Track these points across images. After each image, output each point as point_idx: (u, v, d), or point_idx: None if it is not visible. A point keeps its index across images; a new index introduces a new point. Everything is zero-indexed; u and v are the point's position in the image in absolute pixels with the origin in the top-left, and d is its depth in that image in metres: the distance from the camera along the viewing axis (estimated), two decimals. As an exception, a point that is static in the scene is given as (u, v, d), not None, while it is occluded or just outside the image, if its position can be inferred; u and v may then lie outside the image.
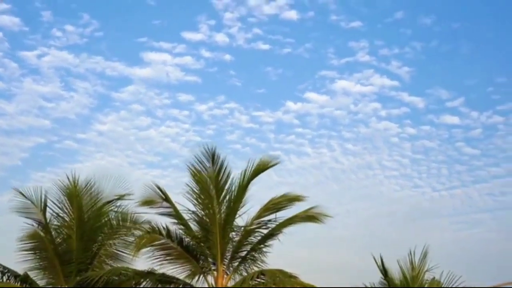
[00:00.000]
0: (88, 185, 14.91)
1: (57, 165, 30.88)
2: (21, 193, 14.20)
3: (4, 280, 13.68)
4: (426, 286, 13.83)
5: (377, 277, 14.20)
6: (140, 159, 32.46)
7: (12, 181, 30.83)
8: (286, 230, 14.45)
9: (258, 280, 13.49)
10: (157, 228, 14.13)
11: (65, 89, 30.43)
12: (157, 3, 30.23)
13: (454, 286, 13.50)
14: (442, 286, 13.61)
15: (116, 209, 14.94)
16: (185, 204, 14.35)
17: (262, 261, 14.42)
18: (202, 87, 31.44)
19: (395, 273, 13.95)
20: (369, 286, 14.35)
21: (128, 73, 30.74)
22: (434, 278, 13.89)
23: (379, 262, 14.02)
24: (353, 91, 31.69)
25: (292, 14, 30.08)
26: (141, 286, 13.92)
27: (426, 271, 13.96)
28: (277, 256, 14.50)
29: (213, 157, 13.92)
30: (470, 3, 32.50)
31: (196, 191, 14.34)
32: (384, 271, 14.18)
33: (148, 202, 14.50)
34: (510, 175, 33.00)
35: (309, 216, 14.45)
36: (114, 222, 14.74)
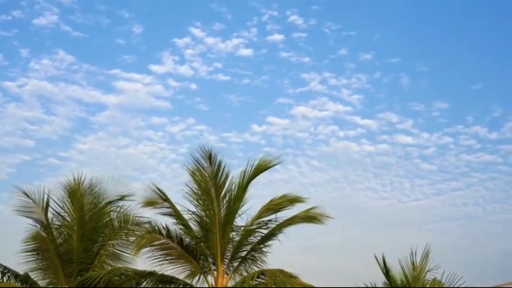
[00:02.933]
0: (90, 185, 14.99)
1: (43, 179, 33.48)
2: (23, 192, 14.21)
3: (5, 280, 13.76)
4: (427, 286, 13.72)
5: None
6: (120, 173, 34.26)
7: (1, 193, 33.13)
8: (286, 230, 14.45)
9: (258, 280, 13.46)
10: (157, 228, 14.17)
11: (46, 114, 33.32)
12: (125, 42, 33.59)
13: (455, 287, 13.38)
14: (444, 286, 13.49)
15: (117, 210, 15.00)
16: (185, 204, 14.44)
17: (262, 261, 14.44)
18: (172, 111, 34.46)
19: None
20: (370, 286, 14.26)
21: (103, 100, 33.78)
22: (435, 278, 13.77)
23: (381, 262, 13.94)
24: (311, 116, 34.81)
25: (247, 52, 33.63)
26: (142, 286, 13.92)
27: (428, 271, 13.83)
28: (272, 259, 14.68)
29: (210, 158, 13.96)
30: (406, 41, 36.31)
31: (196, 192, 14.39)
32: (386, 271, 14.09)
33: (149, 203, 14.57)
34: (468, 188, 35.44)
35: (309, 217, 14.42)
36: (115, 223, 14.77)
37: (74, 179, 14.85)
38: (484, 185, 35.05)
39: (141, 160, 34.18)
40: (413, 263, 13.82)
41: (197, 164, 14.14)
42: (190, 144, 34.12)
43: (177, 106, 34.36)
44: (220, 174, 14.06)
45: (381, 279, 14.22)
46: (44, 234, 14.17)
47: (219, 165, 14.00)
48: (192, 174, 14.24)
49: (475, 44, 36.02)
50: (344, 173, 36.28)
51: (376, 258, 13.91)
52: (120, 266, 14.34)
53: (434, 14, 35.76)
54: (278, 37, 33.50)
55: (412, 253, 13.77)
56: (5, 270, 13.78)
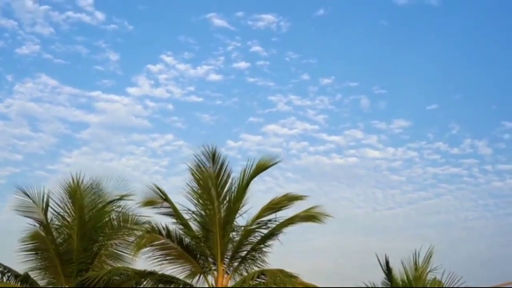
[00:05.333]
0: (90, 185, 14.97)
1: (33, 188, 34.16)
2: (23, 192, 14.20)
3: (5, 280, 13.74)
4: (428, 286, 13.65)
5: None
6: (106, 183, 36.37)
7: (-4, 201, 35.43)
8: (286, 230, 14.40)
9: (259, 280, 13.43)
10: (157, 228, 14.14)
11: (33, 131, 35.77)
12: (103, 68, 36.01)
13: (455, 287, 13.32)
14: (444, 286, 13.43)
15: (117, 210, 14.96)
16: (185, 204, 14.41)
17: (263, 261, 14.39)
18: (152, 129, 36.98)
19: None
20: (371, 286, 14.20)
21: (86, 119, 36.32)
22: (435, 278, 13.71)
23: (383, 262, 13.89)
24: (282, 133, 37.18)
25: (216, 77, 36.48)
26: (142, 286, 13.89)
27: (429, 271, 13.77)
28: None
29: (213, 157, 13.95)
30: (363, 67, 38.51)
31: (197, 191, 14.36)
32: (388, 271, 14.03)
33: (149, 203, 14.54)
34: (438, 197, 36.96)
35: (309, 216, 14.35)
36: (115, 223, 14.72)
37: (73, 179, 14.83)
38: (453, 195, 36.93)
39: (125, 172, 36.35)
40: (415, 263, 13.78)
41: (199, 163, 14.13)
42: (170, 158, 36.43)
43: (156, 124, 37.22)
44: (222, 173, 14.04)
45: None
46: (43, 234, 14.15)
47: (222, 164, 14.01)
48: (194, 174, 14.19)
49: (428, 68, 38.44)
50: (318, 184, 38.37)
51: (378, 259, 13.87)
52: (120, 266, 14.30)
53: (387, 40, 38.33)
54: (243, 64, 36.52)
55: (415, 254, 13.75)
56: (5, 270, 13.77)
